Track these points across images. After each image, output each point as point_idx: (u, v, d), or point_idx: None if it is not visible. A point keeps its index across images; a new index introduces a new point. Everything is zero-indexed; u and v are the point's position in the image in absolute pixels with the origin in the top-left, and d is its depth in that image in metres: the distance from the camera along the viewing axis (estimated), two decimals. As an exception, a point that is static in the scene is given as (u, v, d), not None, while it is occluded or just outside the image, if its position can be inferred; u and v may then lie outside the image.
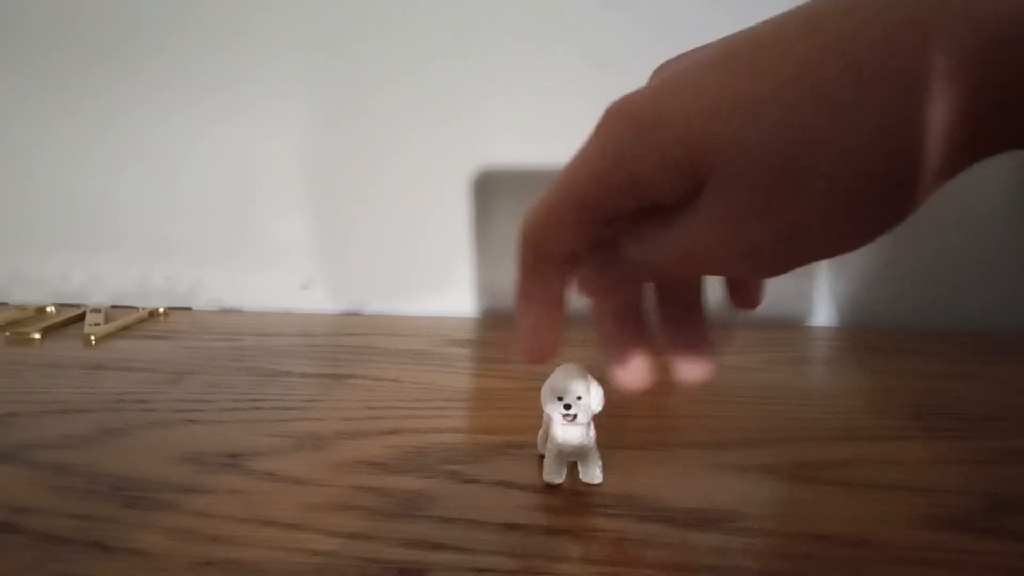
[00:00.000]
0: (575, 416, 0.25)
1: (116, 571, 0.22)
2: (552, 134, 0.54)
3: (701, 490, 0.27)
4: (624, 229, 0.22)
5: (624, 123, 0.20)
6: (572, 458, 0.27)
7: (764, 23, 0.19)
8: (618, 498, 0.27)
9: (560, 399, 0.25)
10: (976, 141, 0.17)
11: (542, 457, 0.28)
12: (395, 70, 0.55)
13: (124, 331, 0.52)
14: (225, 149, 0.58)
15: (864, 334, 0.49)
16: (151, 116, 0.58)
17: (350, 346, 0.48)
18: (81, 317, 0.54)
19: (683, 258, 0.20)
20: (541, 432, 0.29)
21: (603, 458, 0.28)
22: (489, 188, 0.56)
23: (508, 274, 0.64)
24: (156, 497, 0.26)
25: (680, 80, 0.19)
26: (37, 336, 0.50)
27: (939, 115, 0.16)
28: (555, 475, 0.27)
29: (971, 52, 0.15)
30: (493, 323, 0.56)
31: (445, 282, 0.58)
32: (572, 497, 0.26)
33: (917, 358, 0.46)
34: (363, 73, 0.55)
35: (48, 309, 0.57)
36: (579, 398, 0.25)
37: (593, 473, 0.27)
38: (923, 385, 0.41)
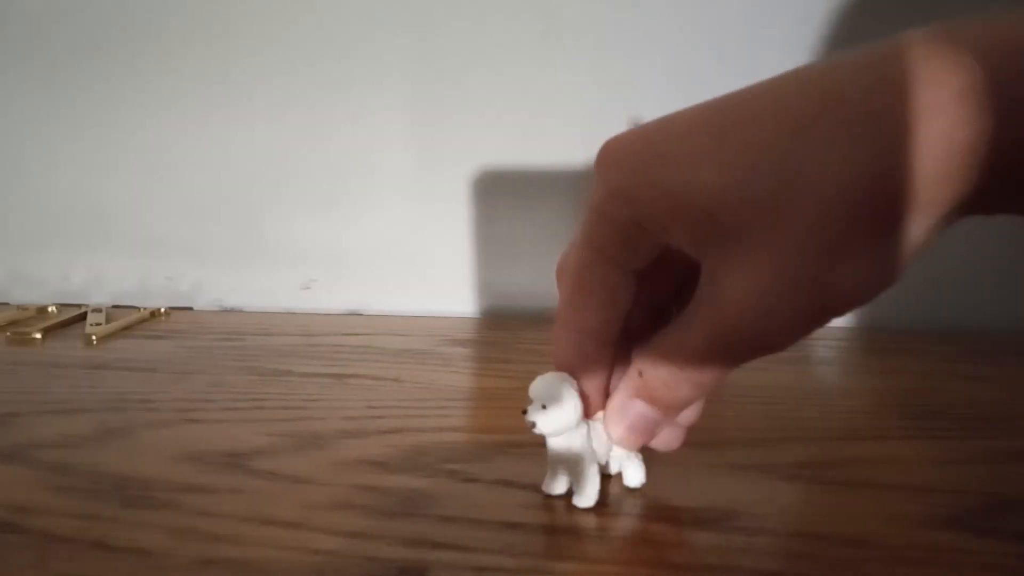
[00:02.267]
0: (533, 424, 0.24)
1: (117, 570, 0.22)
2: (552, 134, 0.54)
3: (701, 490, 0.27)
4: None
5: (622, 160, 0.21)
6: (563, 469, 0.26)
7: (748, 88, 0.20)
8: (618, 497, 0.27)
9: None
10: (964, 190, 0.18)
11: None
12: (394, 69, 0.55)
13: (125, 331, 0.52)
14: (226, 149, 0.58)
15: (864, 334, 0.49)
16: (151, 116, 0.58)
17: (351, 346, 0.48)
18: (82, 317, 0.54)
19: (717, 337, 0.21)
20: None
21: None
22: (489, 188, 0.56)
23: (508, 274, 0.64)
24: (157, 496, 0.26)
25: (671, 124, 0.20)
26: (38, 336, 0.50)
27: (921, 156, 0.17)
28: (548, 484, 0.26)
29: (959, 106, 0.16)
30: (493, 323, 0.56)
31: (445, 282, 0.58)
32: (572, 497, 0.26)
33: (917, 358, 0.46)
34: (363, 72, 0.55)
35: (49, 309, 0.57)
36: (544, 407, 0.24)
37: (578, 494, 0.25)
38: (923, 385, 0.41)
